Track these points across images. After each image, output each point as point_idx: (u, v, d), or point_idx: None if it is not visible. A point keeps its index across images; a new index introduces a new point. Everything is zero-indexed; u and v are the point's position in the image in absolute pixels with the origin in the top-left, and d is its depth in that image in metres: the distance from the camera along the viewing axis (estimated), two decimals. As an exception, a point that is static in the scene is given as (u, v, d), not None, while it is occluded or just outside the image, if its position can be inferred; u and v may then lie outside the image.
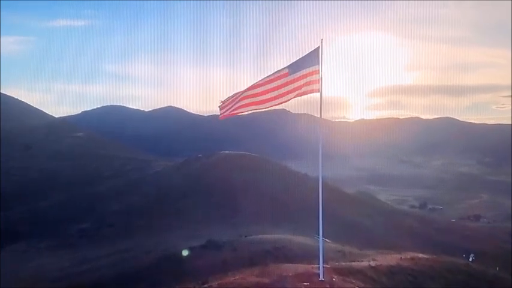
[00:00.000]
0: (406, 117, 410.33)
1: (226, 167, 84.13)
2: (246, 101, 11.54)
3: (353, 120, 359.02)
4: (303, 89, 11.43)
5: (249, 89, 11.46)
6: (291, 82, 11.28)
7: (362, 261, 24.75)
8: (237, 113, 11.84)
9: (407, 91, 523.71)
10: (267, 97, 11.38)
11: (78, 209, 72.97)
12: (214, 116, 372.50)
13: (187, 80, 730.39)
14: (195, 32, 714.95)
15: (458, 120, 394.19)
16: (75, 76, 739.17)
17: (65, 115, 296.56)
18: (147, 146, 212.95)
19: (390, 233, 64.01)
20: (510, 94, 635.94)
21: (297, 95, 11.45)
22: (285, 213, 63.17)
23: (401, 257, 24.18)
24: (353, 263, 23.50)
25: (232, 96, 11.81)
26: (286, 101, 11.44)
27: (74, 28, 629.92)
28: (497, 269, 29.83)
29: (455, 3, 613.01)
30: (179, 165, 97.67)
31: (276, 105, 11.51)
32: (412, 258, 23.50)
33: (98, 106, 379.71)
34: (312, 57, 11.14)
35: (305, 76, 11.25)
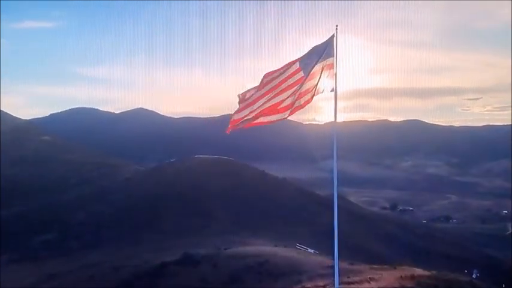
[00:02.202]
0: (375, 119, 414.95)
1: (202, 172, 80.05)
2: (264, 115, 9.63)
3: (323, 123, 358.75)
4: (318, 87, 9.78)
5: (263, 95, 9.45)
6: (307, 80, 9.56)
7: (361, 282, 22.34)
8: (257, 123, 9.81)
9: (375, 94, 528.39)
10: (284, 104, 9.50)
11: (42, 219, 67.44)
12: (186, 118, 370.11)
13: (158, 82, 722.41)
14: (165, 34, 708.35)
15: (425, 122, 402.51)
16: (45, 78, 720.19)
17: (34, 117, 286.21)
18: (117, 150, 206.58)
19: (372, 240, 61.67)
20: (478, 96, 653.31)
21: (312, 96, 9.84)
22: (264, 220, 59.94)
23: (401, 276, 22.30)
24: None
25: (247, 101, 9.59)
26: (304, 106, 9.80)
27: (43, 29, 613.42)
28: (504, 286, 27.76)
29: (421, 8, 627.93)
30: (151, 170, 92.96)
31: (293, 112, 9.83)
32: (413, 277, 21.38)
33: (67, 108, 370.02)
34: (326, 48, 9.57)
35: (320, 71, 9.63)
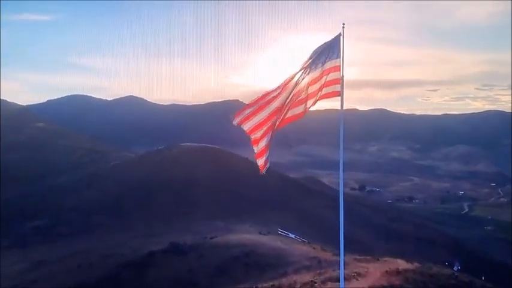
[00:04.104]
0: (345, 108, 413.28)
1: (188, 160, 76.48)
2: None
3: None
4: (323, 91, 8.43)
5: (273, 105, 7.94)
6: (312, 83, 8.18)
7: (348, 278, 19.99)
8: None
9: (345, 85, 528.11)
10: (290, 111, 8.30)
11: (33, 205, 63.32)
12: (173, 105, 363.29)
13: (148, 71, 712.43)
14: (154, 27, 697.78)
15: (389, 111, 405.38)
16: (43, 66, 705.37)
17: (31, 103, 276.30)
18: (109, 136, 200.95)
19: (349, 223, 59.45)
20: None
21: (316, 101, 8.53)
22: (249, 206, 57.32)
23: (386, 270, 20.16)
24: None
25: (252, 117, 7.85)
26: (307, 110, 8.53)
27: (41, 22, 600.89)
28: (483, 278, 26.07)
29: (388, 8, 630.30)
30: (139, 158, 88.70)
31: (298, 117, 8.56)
32: (398, 271, 19.13)
33: (64, 95, 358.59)
34: (332, 48, 8.09)
35: (324, 74, 8.20)
